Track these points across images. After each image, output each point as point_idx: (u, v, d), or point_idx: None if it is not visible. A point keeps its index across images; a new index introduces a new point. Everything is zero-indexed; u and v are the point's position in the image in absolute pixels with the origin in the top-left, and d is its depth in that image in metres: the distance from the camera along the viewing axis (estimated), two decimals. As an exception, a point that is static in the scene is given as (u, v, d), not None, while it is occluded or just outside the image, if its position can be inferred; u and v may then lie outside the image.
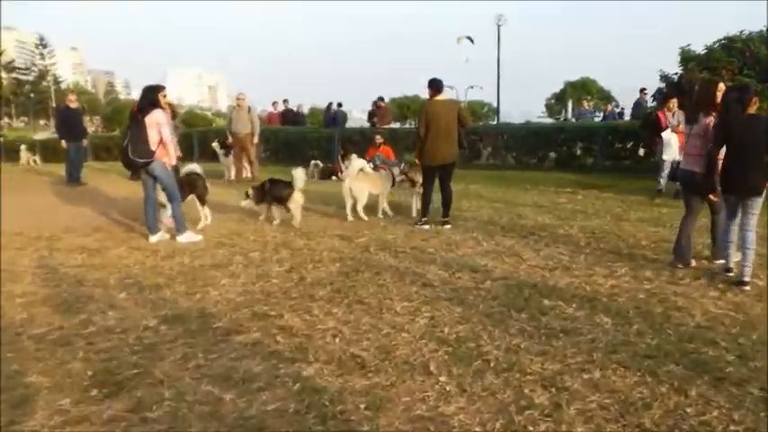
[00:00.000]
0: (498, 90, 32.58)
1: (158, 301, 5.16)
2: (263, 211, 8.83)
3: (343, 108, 22.40)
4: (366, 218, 8.70)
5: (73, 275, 6.05)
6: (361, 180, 8.80)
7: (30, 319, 4.81)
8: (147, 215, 7.57)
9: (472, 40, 20.33)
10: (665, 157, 10.67)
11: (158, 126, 7.18)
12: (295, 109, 22.95)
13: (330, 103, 22.11)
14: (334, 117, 21.50)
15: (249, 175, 14.79)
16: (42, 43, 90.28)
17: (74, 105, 14.73)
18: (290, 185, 8.49)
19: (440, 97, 7.98)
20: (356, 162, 9.06)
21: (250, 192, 8.80)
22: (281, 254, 6.75)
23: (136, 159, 7.13)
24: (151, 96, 7.35)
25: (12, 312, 4.96)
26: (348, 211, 8.80)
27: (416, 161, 8.25)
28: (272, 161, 19.18)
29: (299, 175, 8.44)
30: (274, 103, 22.78)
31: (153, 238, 7.48)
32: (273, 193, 8.60)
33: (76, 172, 14.39)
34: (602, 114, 25.57)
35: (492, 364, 3.78)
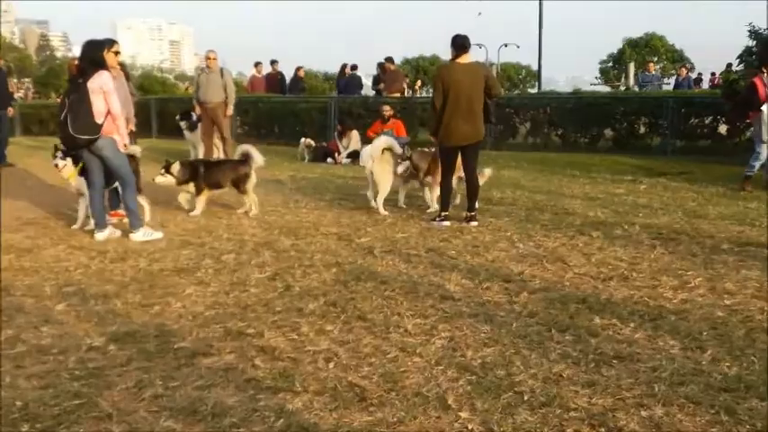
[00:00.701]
0: (540, 50, 32.09)
1: (106, 315, 5.22)
2: (184, 200, 9.05)
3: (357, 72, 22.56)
4: (385, 212, 8.83)
5: (-2, 282, 6.13)
6: (385, 162, 8.89)
7: (-58, 335, 4.90)
8: (92, 206, 7.65)
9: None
10: (766, 138, 10.58)
11: (105, 93, 7.22)
12: (295, 74, 23.08)
13: (344, 65, 22.20)
14: (347, 82, 21.62)
15: (221, 155, 14.86)
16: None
17: None
18: (245, 164, 8.69)
19: (463, 59, 8.02)
20: (381, 140, 9.19)
21: (175, 167, 8.80)
22: (262, 256, 6.82)
23: (78, 135, 7.19)
24: (95, 54, 7.38)
25: None
26: (377, 203, 8.99)
27: (432, 140, 8.29)
28: (250, 138, 19.25)
29: (256, 153, 8.84)
30: (257, 65, 22.89)
31: (100, 236, 7.56)
32: (217, 175, 8.85)
33: (1, 149, 14.51)
34: (673, 81, 25.59)
35: (526, 398, 3.82)
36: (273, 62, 22.82)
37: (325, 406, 3.74)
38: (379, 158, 8.88)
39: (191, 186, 8.83)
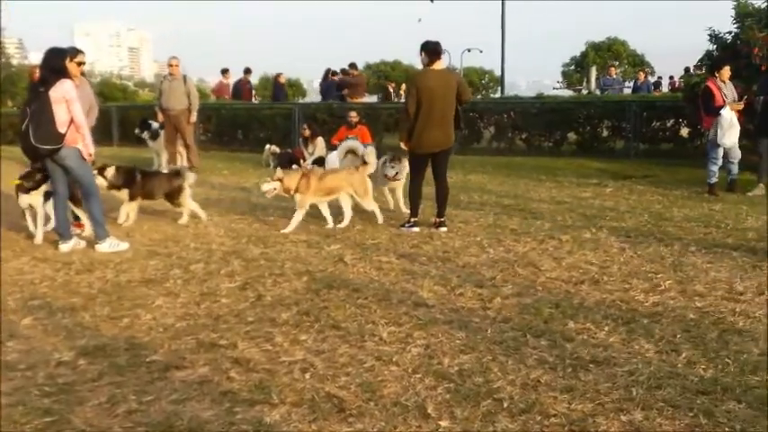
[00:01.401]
0: (503, 54, 32.21)
1: (74, 329, 5.13)
2: (126, 211, 8.87)
3: (300, 79, 22.61)
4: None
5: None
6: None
7: None
8: (56, 217, 7.52)
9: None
10: (725, 141, 10.69)
11: (68, 102, 7.10)
12: (276, 81, 22.92)
13: (328, 70, 22.10)
14: (328, 86, 21.58)
15: (185, 163, 14.73)
16: None
17: None
18: (179, 177, 8.77)
19: (436, 66, 8.02)
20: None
21: (110, 171, 8.62)
22: (231, 265, 6.76)
23: (40, 146, 7.05)
24: (57, 62, 7.25)
25: None
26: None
27: (402, 145, 8.26)
28: (214, 145, 19.15)
29: (188, 173, 9.02)
30: (225, 72, 22.70)
31: (64, 247, 7.44)
32: (152, 185, 8.81)
33: None
34: (632, 84, 25.91)
35: (505, 405, 3.82)
36: (247, 71, 22.61)
37: (303, 418, 3.70)
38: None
39: (124, 193, 8.75)
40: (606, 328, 4.94)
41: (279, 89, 22.95)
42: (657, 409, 3.74)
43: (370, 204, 8.75)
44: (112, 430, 3.62)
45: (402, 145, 8.25)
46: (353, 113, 15.56)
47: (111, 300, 5.80)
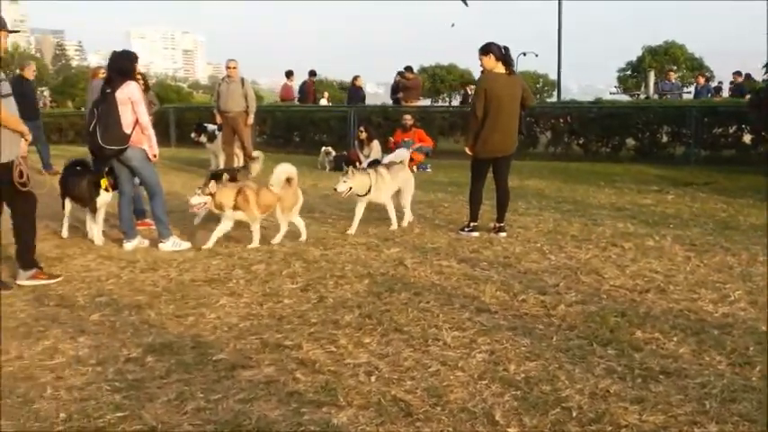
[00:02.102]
0: (559, 58, 32.06)
1: (141, 326, 5.22)
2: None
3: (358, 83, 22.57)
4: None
5: (30, 291, 6.13)
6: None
7: (-21, 345, 4.90)
8: (121, 216, 7.66)
9: (465, 2, 20.01)
10: None
11: (133, 103, 7.24)
12: (353, 84, 22.87)
13: (355, 77, 22.21)
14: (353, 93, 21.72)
15: (242, 164, 14.87)
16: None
17: (32, 76, 14.92)
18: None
19: (501, 69, 7.98)
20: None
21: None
22: (292, 267, 6.81)
23: (107, 146, 7.19)
24: (123, 64, 7.43)
25: (-44, 337, 5.05)
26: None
27: (467, 150, 8.21)
28: (269, 147, 19.28)
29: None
30: (289, 74, 22.73)
31: (129, 245, 7.57)
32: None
33: (46, 157, 14.57)
34: (693, 89, 25.50)
35: (574, 414, 3.78)
36: (312, 73, 22.65)
37: (370, 420, 3.71)
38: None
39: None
40: (675, 339, 4.86)
41: (355, 92, 22.71)
42: (733, 423, 3.66)
43: (290, 218, 8.02)
44: (182, 427, 3.67)
45: (467, 150, 8.20)
46: (408, 116, 15.62)
47: (176, 298, 5.89)
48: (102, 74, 8.95)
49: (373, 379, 4.24)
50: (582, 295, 5.88)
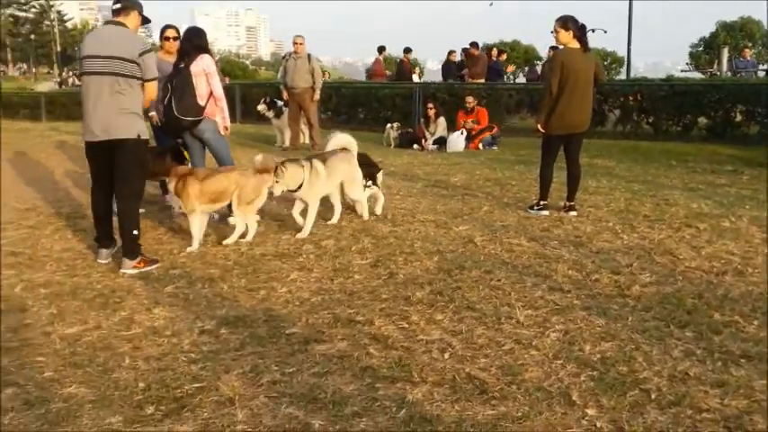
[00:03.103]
0: (629, 35, 31.36)
1: (213, 299, 5.30)
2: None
3: (416, 57, 22.25)
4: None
5: (104, 263, 6.26)
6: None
7: (59, 314, 5.03)
8: None
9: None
10: None
11: (208, 75, 7.37)
12: (448, 59, 22.43)
13: (451, 52, 21.90)
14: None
15: (308, 140, 14.95)
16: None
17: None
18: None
19: (574, 45, 7.81)
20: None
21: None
22: (361, 243, 6.82)
23: (182, 117, 7.29)
24: (198, 40, 7.57)
25: (36, 306, 5.19)
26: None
27: (538, 128, 8.08)
28: (335, 124, 19.32)
29: None
30: (381, 49, 22.41)
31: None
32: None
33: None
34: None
35: (653, 396, 3.71)
36: (407, 50, 22.35)
37: (445, 398, 3.70)
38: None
39: None
40: (756, 322, 4.72)
41: (448, 68, 22.05)
42: (820, 408, 3.56)
43: (247, 219, 7.01)
44: (258, 399, 3.71)
45: (539, 127, 8.06)
46: (470, 98, 15.47)
47: (247, 272, 5.95)
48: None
49: (447, 356, 4.22)
50: (657, 276, 5.77)
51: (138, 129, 6.03)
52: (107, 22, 6.29)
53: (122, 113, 5.92)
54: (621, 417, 3.50)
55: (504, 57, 21.79)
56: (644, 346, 4.36)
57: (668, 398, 3.69)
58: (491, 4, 38.17)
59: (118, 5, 6.10)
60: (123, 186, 6.09)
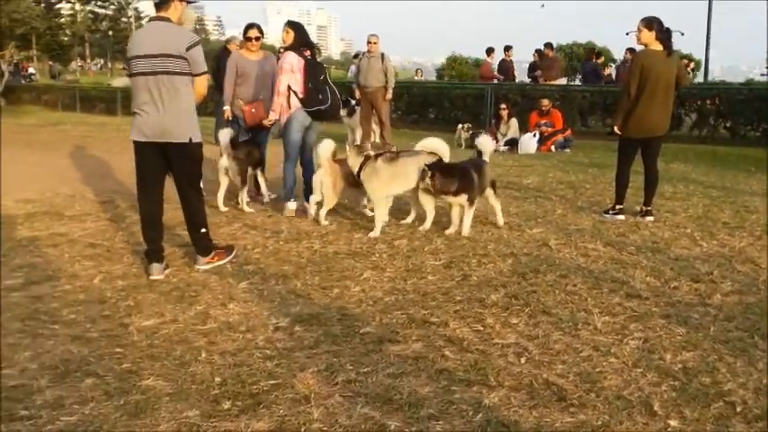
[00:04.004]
0: (708, 38, 30.46)
1: (287, 296, 5.31)
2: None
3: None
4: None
5: (180, 257, 6.34)
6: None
7: (136, 306, 5.10)
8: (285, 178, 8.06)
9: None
10: None
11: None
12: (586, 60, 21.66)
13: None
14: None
15: (378, 139, 14.95)
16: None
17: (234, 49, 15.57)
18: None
19: (656, 47, 7.60)
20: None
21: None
22: (434, 243, 6.78)
23: (321, 108, 7.83)
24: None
25: (114, 297, 5.27)
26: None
27: (614, 130, 7.90)
28: (405, 124, 19.31)
29: None
30: (490, 51, 21.79)
31: (291, 206, 8.06)
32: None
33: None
34: None
35: (738, 409, 3.59)
36: (507, 48, 21.92)
37: (523, 403, 3.63)
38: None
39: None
40: (844, 336, 4.55)
41: (592, 72, 21.21)
42: None
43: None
44: (334, 398, 3.69)
45: (615, 129, 7.88)
46: (545, 101, 15.31)
47: (321, 270, 5.95)
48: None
49: (523, 360, 4.16)
50: (738, 285, 5.59)
51: (191, 131, 5.73)
52: (151, 19, 5.92)
53: (174, 116, 5.66)
54: (705, 429, 3.40)
55: (602, 59, 21.12)
56: (727, 356, 4.23)
57: (754, 411, 3.56)
58: (543, 6, 37.21)
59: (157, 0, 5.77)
60: (183, 188, 5.89)
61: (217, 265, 6.04)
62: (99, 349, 4.35)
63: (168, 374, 3.99)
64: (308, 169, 7.99)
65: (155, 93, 5.60)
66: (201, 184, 6.24)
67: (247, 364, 4.11)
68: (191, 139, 5.71)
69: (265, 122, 8.01)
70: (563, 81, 21.52)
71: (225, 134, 8.18)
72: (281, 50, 8.39)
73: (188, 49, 5.58)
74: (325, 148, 7.40)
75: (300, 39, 7.86)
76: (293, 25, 7.95)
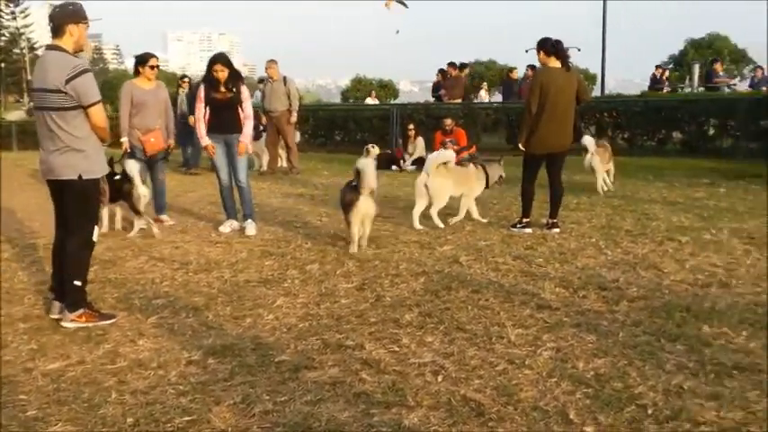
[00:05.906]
0: (603, 52, 31.38)
1: (199, 328, 5.21)
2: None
3: (393, 80, 22.13)
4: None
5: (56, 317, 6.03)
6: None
7: (40, 349, 4.90)
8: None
9: (405, 4, 18.53)
10: None
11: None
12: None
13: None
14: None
15: (285, 164, 14.92)
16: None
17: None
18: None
19: (556, 64, 7.85)
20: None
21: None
22: (346, 266, 6.77)
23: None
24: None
25: (16, 341, 5.06)
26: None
27: (519, 147, 8.08)
28: (311, 146, 19.28)
29: None
30: (451, 65, 20.47)
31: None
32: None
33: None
34: (749, 81, 24.97)
35: (650, 411, 3.68)
36: (463, 65, 20.83)
37: (442, 421, 3.64)
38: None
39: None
40: (744, 333, 4.73)
41: (509, 85, 21.57)
42: (817, 418, 3.55)
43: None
44: (251, 430, 3.63)
45: (520, 146, 8.06)
46: (448, 121, 15.50)
47: (232, 299, 5.87)
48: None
49: (440, 378, 4.17)
50: (643, 290, 5.77)
51: (82, 168, 5.25)
52: (47, 47, 5.39)
53: (60, 152, 5.22)
54: (620, 434, 3.48)
55: (516, 74, 21.50)
56: (637, 361, 4.34)
57: (665, 412, 3.66)
58: (397, 32, 36.51)
59: (51, 25, 5.27)
60: (70, 230, 5.43)
61: (83, 326, 5.28)
62: (1, 397, 4.17)
63: (77, 419, 3.84)
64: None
65: (44, 128, 5.26)
66: (97, 229, 5.76)
67: (160, 402, 3.99)
68: (80, 176, 5.27)
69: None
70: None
71: (133, 164, 8.09)
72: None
73: (68, 82, 5.05)
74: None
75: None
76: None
